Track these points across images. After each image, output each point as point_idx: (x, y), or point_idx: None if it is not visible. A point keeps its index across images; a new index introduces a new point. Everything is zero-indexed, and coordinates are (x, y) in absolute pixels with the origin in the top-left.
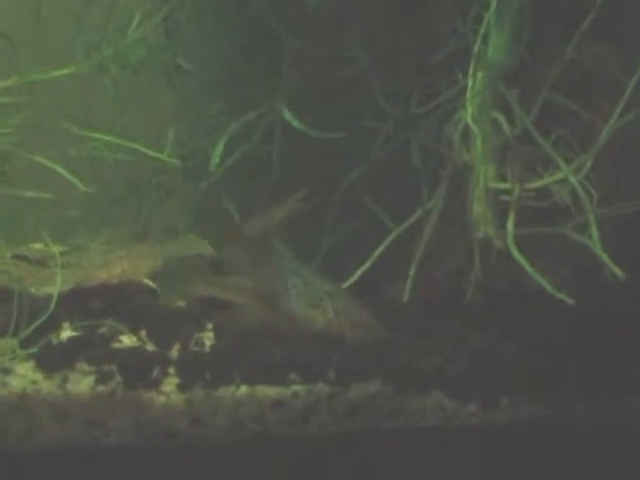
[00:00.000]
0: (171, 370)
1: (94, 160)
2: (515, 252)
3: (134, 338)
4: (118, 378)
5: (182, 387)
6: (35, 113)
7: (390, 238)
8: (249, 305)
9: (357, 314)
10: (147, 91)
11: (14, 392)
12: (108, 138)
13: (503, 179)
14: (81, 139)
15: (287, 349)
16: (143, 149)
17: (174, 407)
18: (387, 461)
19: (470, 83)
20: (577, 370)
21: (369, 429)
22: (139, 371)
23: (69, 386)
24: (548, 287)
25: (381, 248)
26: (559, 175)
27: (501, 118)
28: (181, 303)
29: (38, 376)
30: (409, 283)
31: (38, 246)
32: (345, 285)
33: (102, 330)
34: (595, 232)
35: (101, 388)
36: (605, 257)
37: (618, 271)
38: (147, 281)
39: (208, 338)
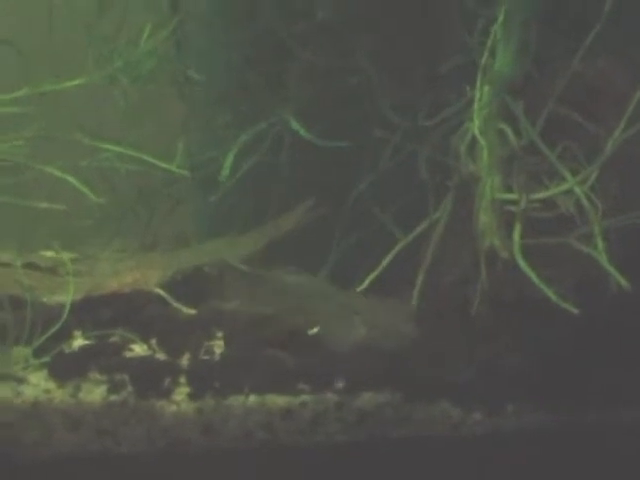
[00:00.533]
0: (182, 379)
1: (106, 170)
2: (521, 262)
3: (145, 347)
4: (130, 387)
5: (193, 396)
6: (47, 124)
7: (398, 248)
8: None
9: (389, 324)
10: (158, 102)
11: (27, 401)
12: (118, 149)
13: (509, 190)
14: (93, 150)
15: (296, 358)
16: (152, 160)
17: (185, 416)
18: (395, 470)
19: (477, 95)
20: (582, 379)
21: (377, 438)
22: (150, 380)
23: (81, 395)
24: (553, 297)
25: (389, 258)
26: (565, 186)
27: (507, 130)
28: (191, 311)
29: (51, 385)
30: (416, 291)
31: (50, 254)
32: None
33: (113, 339)
34: (600, 243)
35: (113, 397)
36: (610, 267)
37: (623, 281)
38: (158, 290)
39: (218, 347)
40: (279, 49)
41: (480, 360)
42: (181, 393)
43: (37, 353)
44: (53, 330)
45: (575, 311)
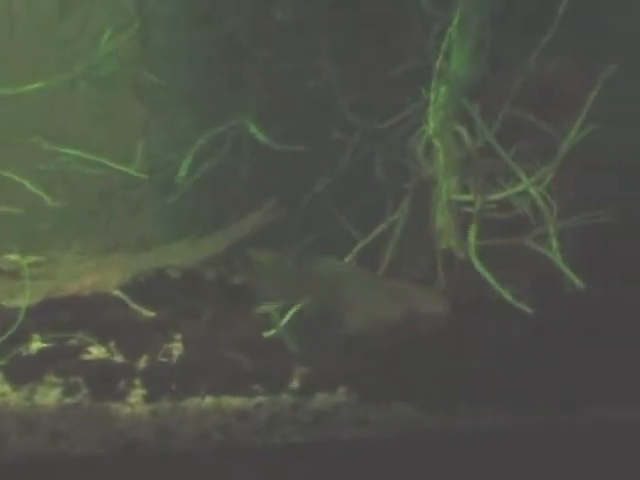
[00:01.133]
0: (138, 382)
1: (68, 174)
2: (477, 263)
3: (103, 350)
4: (85, 390)
5: (148, 398)
6: (6, 128)
7: (356, 249)
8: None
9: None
10: (119, 105)
11: None
12: (77, 153)
13: (465, 191)
14: (53, 154)
15: (252, 360)
16: (111, 164)
17: (140, 418)
18: (351, 471)
19: (433, 97)
20: (538, 379)
21: (333, 439)
22: (106, 383)
23: (37, 398)
24: (508, 297)
25: (347, 259)
26: (520, 187)
27: (463, 131)
28: (150, 314)
29: (6, 388)
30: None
31: (12, 257)
32: None
33: (72, 342)
34: (555, 243)
35: (68, 400)
36: (564, 267)
37: (577, 281)
38: (117, 293)
39: (176, 349)
40: (239, 51)
41: (437, 360)
42: (136, 395)
43: None
44: (8, 333)
45: (529, 311)
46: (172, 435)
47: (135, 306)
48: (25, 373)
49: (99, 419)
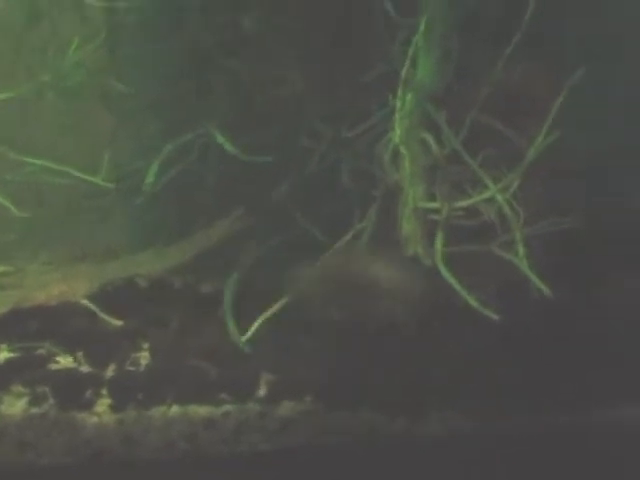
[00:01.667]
0: (104, 391)
1: (33, 183)
2: (443, 270)
3: (70, 359)
4: (51, 399)
5: (114, 407)
6: None
7: (325, 257)
8: None
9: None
10: (87, 113)
11: None
12: (43, 163)
13: (432, 198)
14: (19, 163)
15: (218, 368)
16: (77, 173)
17: (106, 427)
18: (318, 478)
19: (399, 104)
20: (504, 385)
21: (300, 446)
22: (73, 392)
23: (3, 408)
24: (474, 304)
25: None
26: (487, 194)
27: (430, 139)
28: (118, 323)
29: None
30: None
31: None
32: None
33: (39, 352)
34: (521, 249)
35: (34, 410)
36: (531, 274)
37: (544, 287)
38: (85, 302)
39: (144, 358)
40: (207, 59)
41: (404, 367)
42: (103, 404)
43: None
44: None
45: (495, 317)
46: (138, 444)
47: (103, 315)
48: None
49: (66, 429)
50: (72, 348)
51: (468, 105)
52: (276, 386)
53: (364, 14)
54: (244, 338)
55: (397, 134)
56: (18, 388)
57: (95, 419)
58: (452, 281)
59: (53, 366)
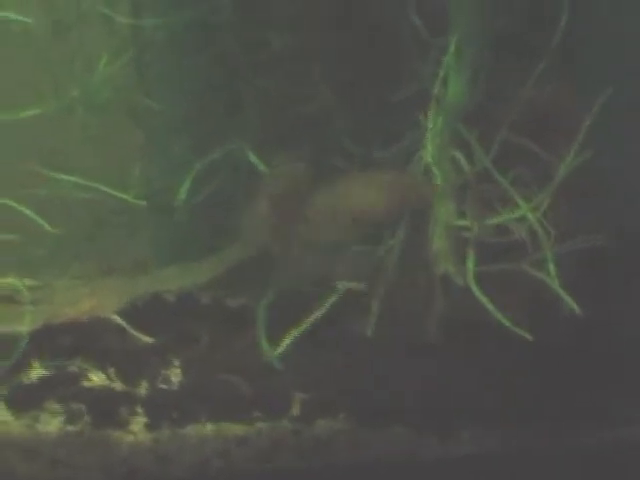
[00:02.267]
0: (139, 409)
1: (63, 199)
2: (475, 288)
3: (103, 376)
4: (87, 417)
5: (149, 426)
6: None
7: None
8: None
9: None
10: (116, 129)
11: None
12: (73, 179)
13: (463, 216)
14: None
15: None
16: (107, 190)
17: (141, 446)
18: None
19: (430, 124)
20: (537, 404)
21: (333, 464)
22: (107, 410)
23: (39, 426)
24: (507, 323)
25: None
26: (518, 212)
27: (461, 157)
28: (149, 339)
29: (8, 416)
30: (372, 318)
31: (10, 280)
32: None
33: (72, 368)
34: (552, 268)
35: (70, 428)
36: (562, 292)
37: (575, 306)
38: (115, 317)
39: (175, 374)
40: (236, 76)
41: (435, 385)
42: (138, 423)
43: None
44: (11, 361)
45: (529, 337)
46: (172, 462)
47: (133, 331)
48: (26, 400)
49: (101, 447)
50: (103, 365)
51: (499, 124)
52: (309, 404)
53: (396, 33)
54: (276, 354)
55: (429, 153)
56: (53, 405)
57: (130, 437)
58: (484, 300)
59: (86, 383)
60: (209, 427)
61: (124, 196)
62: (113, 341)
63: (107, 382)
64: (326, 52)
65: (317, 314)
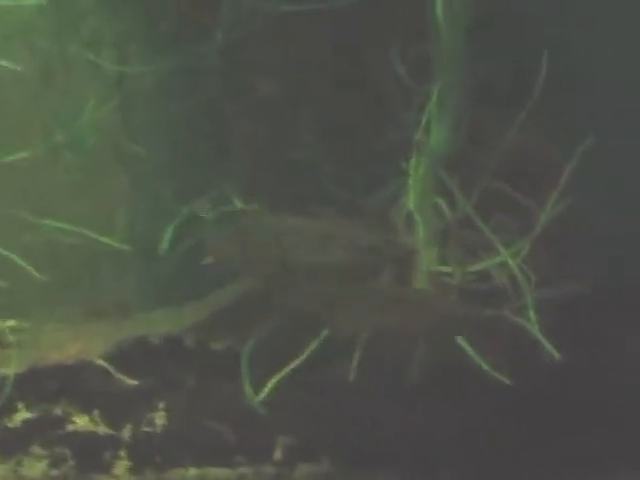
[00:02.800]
0: (122, 453)
1: (49, 243)
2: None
3: (87, 419)
4: (70, 461)
5: (133, 470)
6: None
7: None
8: None
9: None
10: (101, 175)
11: None
12: (59, 225)
13: (445, 262)
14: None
15: (235, 429)
16: (92, 235)
17: None
18: None
19: (412, 171)
20: (518, 449)
21: None
22: (91, 454)
23: (22, 470)
24: (487, 368)
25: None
26: (498, 259)
27: (443, 204)
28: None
29: None
30: (354, 363)
31: None
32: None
33: (56, 412)
34: (533, 314)
35: (54, 472)
36: (542, 338)
37: (555, 352)
38: (100, 362)
39: (159, 418)
40: (222, 122)
41: (419, 429)
42: (122, 467)
43: None
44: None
45: (508, 382)
46: None
47: (118, 375)
48: (11, 444)
49: None
50: (88, 408)
51: (481, 171)
52: (292, 448)
53: (379, 80)
54: (258, 399)
55: (411, 199)
56: (37, 450)
57: None
58: (464, 346)
59: (70, 427)
60: (192, 472)
61: (108, 241)
62: (98, 384)
63: (91, 425)
64: (312, 99)
65: (301, 358)
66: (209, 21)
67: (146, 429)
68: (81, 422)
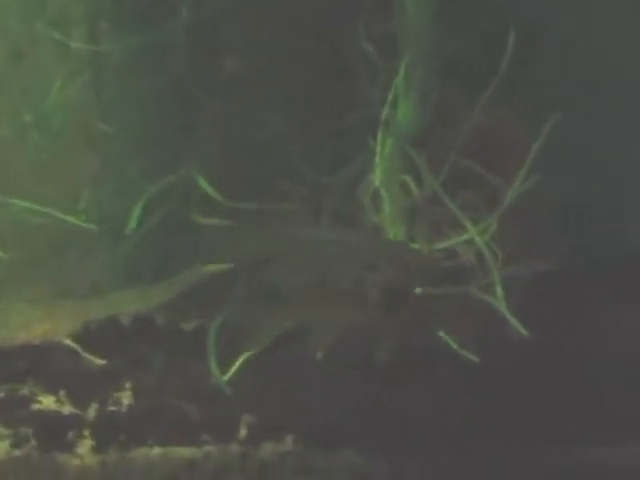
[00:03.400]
0: (86, 432)
1: (16, 223)
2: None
3: (53, 399)
4: (34, 441)
5: (96, 449)
6: None
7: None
8: None
9: None
10: (70, 154)
11: None
12: (26, 204)
13: (412, 240)
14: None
15: (201, 409)
16: (60, 215)
17: (88, 469)
18: None
19: (379, 147)
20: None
21: None
22: (55, 434)
23: None
24: (454, 345)
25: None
26: (466, 236)
27: (410, 181)
28: (101, 362)
29: None
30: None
31: None
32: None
33: (22, 392)
34: (500, 291)
35: (17, 452)
36: (509, 315)
37: (522, 329)
38: (68, 341)
39: (126, 397)
40: (190, 100)
41: (384, 407)
42: (85, 446)
43: None
44: None
45: (475, 359)
46: None
47: (86, 354)
48: None
49: (48, 471)
50: (54, 388)
51: (448, 148)
52: (257, 427)
53: (346, 57)
54: (225, 378)
55: (377, 177)
56: (0, 430)
57: (77, 461)
58: (431, 322)
59: (36, 406)
60: (156, 450)
61: (76, 221)
62: (66, 364)
63: (57, 405)
64: (278, 76)
65: (268, 337)
66: None
67: (112, 408)
68: (47, 402)
